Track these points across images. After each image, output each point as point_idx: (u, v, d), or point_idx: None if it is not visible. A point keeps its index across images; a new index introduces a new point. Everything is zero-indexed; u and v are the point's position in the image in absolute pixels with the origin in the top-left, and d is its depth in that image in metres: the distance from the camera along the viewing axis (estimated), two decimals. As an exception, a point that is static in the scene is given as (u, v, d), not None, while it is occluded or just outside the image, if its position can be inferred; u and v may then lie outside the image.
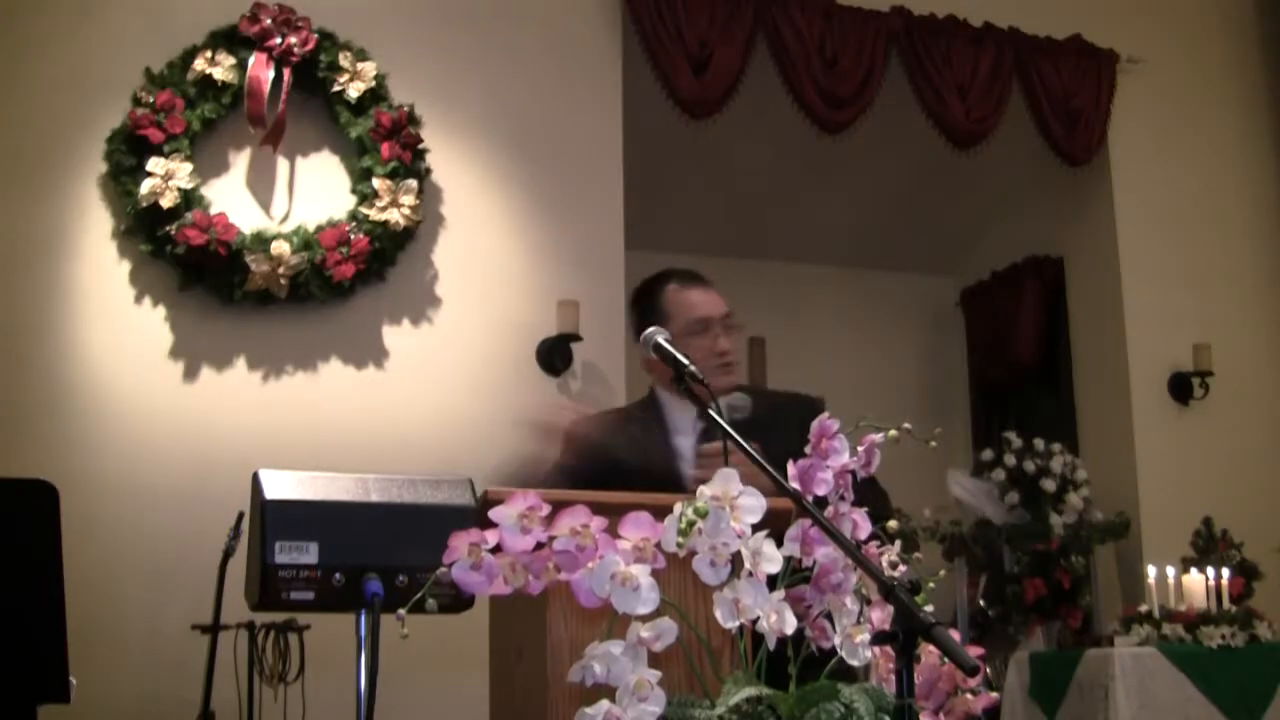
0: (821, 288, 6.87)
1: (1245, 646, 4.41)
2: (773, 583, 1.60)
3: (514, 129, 4.83)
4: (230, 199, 4.41)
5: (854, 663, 1.66)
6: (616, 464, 2.67)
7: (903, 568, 1.77)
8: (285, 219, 4.47)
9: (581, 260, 4.83)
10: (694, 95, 5.00)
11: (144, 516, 4.13)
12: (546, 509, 1.55)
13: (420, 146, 4.56)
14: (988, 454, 5.54)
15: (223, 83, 4.39)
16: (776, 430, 2.45)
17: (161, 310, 4.33)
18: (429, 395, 4.54)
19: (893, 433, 1.75)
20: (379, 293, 4.54)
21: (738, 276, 6.54)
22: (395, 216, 4.45)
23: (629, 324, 3.25)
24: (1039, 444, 5.46)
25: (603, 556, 1.53)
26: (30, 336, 4.18)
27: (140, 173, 4.24)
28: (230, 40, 4.44)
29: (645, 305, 2.95)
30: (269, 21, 4.46)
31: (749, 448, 1.75)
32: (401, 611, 1.58)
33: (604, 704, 1.51)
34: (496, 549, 1.56)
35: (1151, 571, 4.67)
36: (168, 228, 4.23)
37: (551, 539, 1.54)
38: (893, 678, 1.52)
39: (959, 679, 1.70)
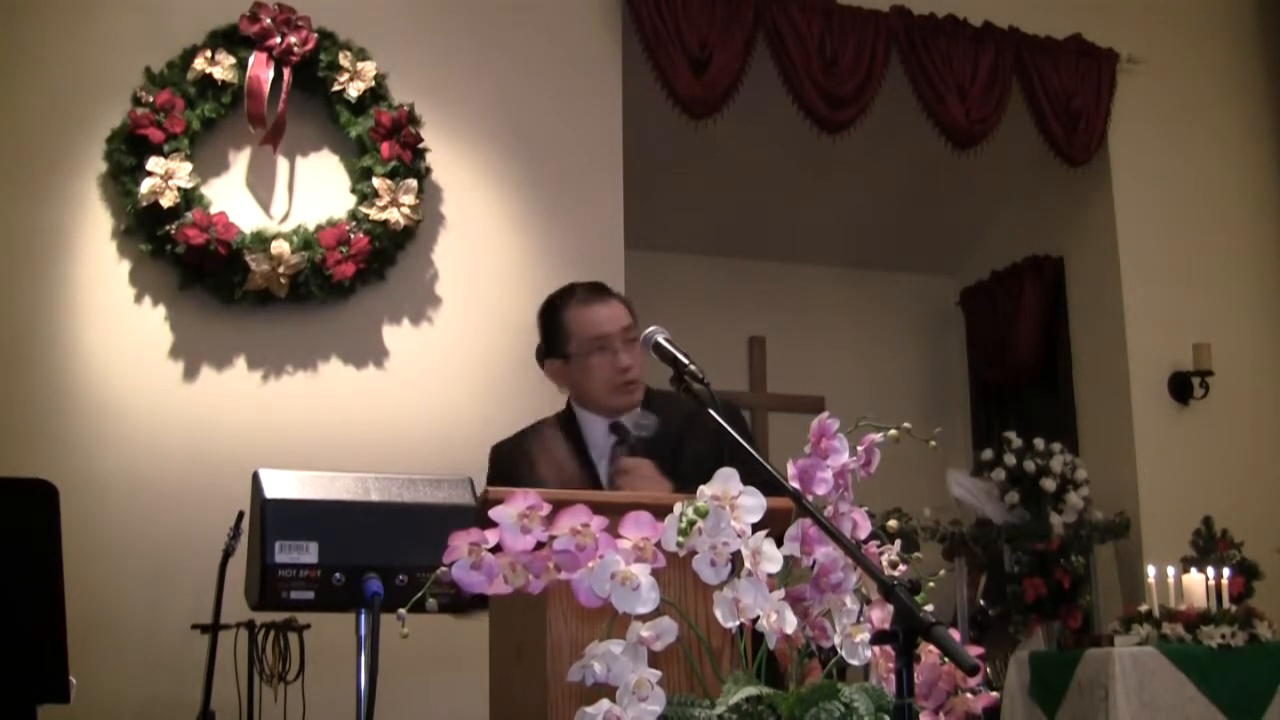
0: (821, 288, 6.86)
1: (1245, 646, 4.41)
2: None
3: (514, 129, 4.83)
4: (230, 199, 4.41)
5: (854, 662, 1.66)
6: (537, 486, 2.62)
7: (902, 567, 1.77)
8: (285, 218, 4.47)
9: (581, 260, 4.82)
10: (694, 95, 5.00)
11: (144, 516, 4.13)
12: (547, 508, 1.55)
13: (420, 146, 4.56)
14: (988, 454, 5.54)
15: (223, 82, 4.39)
16: (693, 437, 2.53)
17: (161, 310, 4.33)
18: (429, 395, 4.54)
19: (892, 432, 1.76)
20: (379, 292, 4.54)
21: (738, 276, 6.59)
22: (395, 216, 4.45)
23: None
24: (1039, 444, 5.46)
25: (603, 556, 1.53)
26: (30, 336, 4.18)
27: (140, 172, 4.24)
28: (230, 40, 4.44)
29: (547, 325, 2.87)
30: (269, 21, 4.46)
31: (749, 447, 1.75)
32: (402, 611, 1.59)
33: (604, 703, 1.51)
34: (497, 548, 1.56)
35: (1151, 571, 4.67)
36: (168, 227, 4.23)
37: (551, 538, 1.54)
38: (893, 677, 1.52)
39: (959, 678, 1.70)
